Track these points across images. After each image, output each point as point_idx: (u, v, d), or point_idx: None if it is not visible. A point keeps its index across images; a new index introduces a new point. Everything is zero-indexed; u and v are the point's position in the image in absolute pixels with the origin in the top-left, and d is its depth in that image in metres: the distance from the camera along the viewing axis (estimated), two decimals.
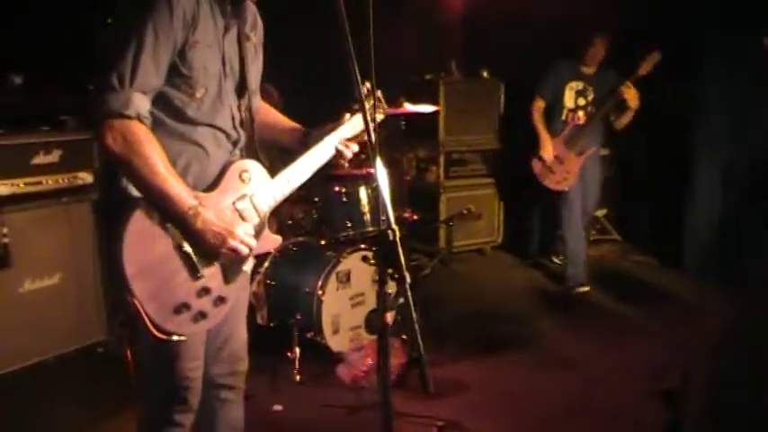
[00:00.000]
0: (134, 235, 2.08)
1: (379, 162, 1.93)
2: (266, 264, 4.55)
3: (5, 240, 4.14)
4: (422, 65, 6.97)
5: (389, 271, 1.87)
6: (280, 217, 4.86)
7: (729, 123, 6.14)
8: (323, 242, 4.61)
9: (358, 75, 2.02)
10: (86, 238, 4.53)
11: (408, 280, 1.82)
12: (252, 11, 2.49)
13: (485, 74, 7.09)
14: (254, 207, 2.35)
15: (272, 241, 2.48)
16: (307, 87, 5.67)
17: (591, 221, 6.76)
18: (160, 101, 2.19)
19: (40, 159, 4.33)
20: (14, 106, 4.49)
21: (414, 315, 1.84)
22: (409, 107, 4.75)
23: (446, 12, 7.01)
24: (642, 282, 6.32)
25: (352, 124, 2.63)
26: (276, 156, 2.66)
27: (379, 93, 2.61)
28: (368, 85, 2.45)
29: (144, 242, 2.10)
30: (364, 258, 4.39)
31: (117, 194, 2.18)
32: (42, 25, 4.97)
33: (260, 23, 2.56)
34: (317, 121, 2.71)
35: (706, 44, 6.24)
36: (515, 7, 6.49)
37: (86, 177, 4.51)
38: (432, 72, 6.97)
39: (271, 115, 2.78)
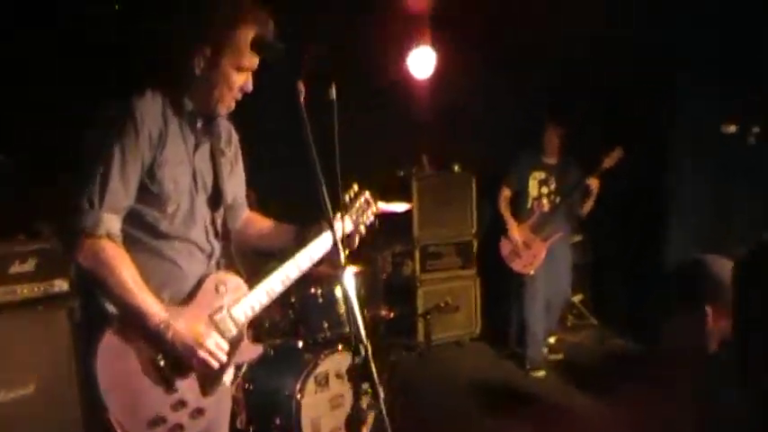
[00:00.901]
0: (107, 350, 2.11)
1: (349, 275, 1.98)
2: (244, 367, 4.53)
3: None
4: (394, 161, 7.11)
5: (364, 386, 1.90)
6: (257, 319, 4.85)
7: (699, 208, 6.30)
8: (300, 344, 4.60)
9: (323, 184, 2.07)
10: (62, 347, 4.47)
11: (382, 395, 1.85)
12: (225, 126, 2.56)
13: (456, 167, 7.24)
14: (232, 319, 2.38)
15: (252, 350, 2.51)
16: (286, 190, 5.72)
17: (566, 306, 6.86)
18: (133, 218, 2.25)
19: (15, 269, 4.33)
20: None
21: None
22: (383, 206, 4.82)
23: (416, 108, 7.18)
24: (620, 368, 6.31)
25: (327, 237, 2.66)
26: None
27: (367, 194, 2.67)
28: (355, 187, 2.52)
29: (117, 357, 2.13)
30: (338, 376, 4.37)
31: (93, 310, 2.22)
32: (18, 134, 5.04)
33: (235, 137, 2.63)
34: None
35: (674, 130, 6.46)
36: (482, 101, 6.72)
37: (62, 285, 4.50)
38: (404, 167, 7.11)
39: (262, 224, 2.81)
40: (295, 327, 4.77)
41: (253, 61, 2.31)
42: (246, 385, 4.47)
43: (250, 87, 2.37)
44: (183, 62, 2.31)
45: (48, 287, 4.44)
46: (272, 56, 2.19)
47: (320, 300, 4.56)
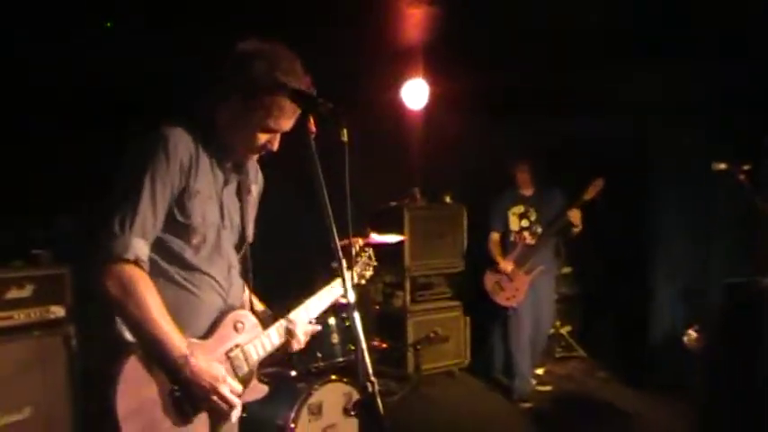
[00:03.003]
0: (128, 378, 2.13)
1: (356, 318, 2.03)
2: None
3: None
4: (386, 192, 7.17)
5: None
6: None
7: (684, 241, 6.41)
8: (294, 373, 4.64)
9: (334, 228, 2.12)
10: (58, 372, 4.52)
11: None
12: (254, 165, 2.62)
13: (447, 199, 7.33)
14: (245, 357, 2.42)
15: (259, 390, 2.55)
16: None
17: (551, 338, 6.96)
18: (159, 246, 2.28)
19: (12, 294, 4.37)
20: None
21: None
22: (375, 238, 4.90)
23: (408, 139, 7.27)
24: (607, 400, 6.36)
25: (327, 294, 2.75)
26: None
27: (371, 251, 2.74)
28: (360, 242, 2.58)
29: (137, 385, 2.15)
30: (345, 411, 4.40)
31: (112, 337, 2.23)
32: (15, 159, 5.08)
33: (261, 178, 2.68)
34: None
35: (658, 164, 6.58)
36: (474, 133, 6.83)
37: (58, 311, 4.54)
38: (396, 198, 7.18)
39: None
40: (288, 356, 4.80)
41: (280, 124, 2.34)
42: (240, 414, 4.49)
43: (275, 147, 2.42)
44: (208, 111, 2.37)
45: (44, 313, 4.48)
46: (318, 111, 2.18)
47: None
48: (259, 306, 2.72)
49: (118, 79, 5.00)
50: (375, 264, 2.91)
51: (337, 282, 2.67)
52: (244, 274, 2.57)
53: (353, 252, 2.76)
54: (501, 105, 6.69)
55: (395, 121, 7.15)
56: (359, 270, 2.81)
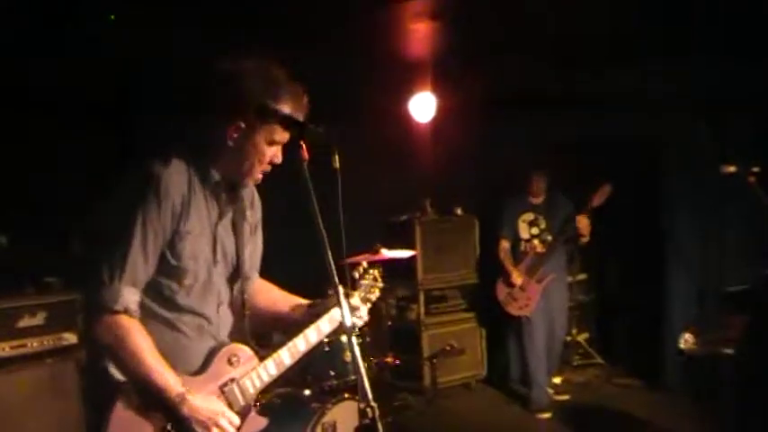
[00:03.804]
0: (118, 420, 2.14)
1: (354, 342, 2.02)
2: None
3: None
4: (396, 205, 7.17)
5: None
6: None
7: (698, 245, 6.36)
8: (307, 392, 4.62)
9: (328, 249, 2.10)
10: (71, 399, 4.53)
11: None
12: (249, 191, 2.59)
13: (459, 211, 7.30)
14: (241, 391, 2.41)
15: (258, 423, 2.52)
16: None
17: (568, 346, 6.92)
18: (150, 289, 2.27)
19: (25, 322, 4.41)
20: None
21: None
22: (386, 253, 4.90)
23: (417, 152, 7.27)
24: (626, 407, 6.29)
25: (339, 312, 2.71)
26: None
27: (376, 272, 2.72)
28: (364, 264, 2.56)
29: (129, 426, 2.15)
30: None
31: (99, 375, 2.23)
32: (28, 184, 5.13)
33: (258, 202, 2.65)
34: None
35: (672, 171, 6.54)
36: (483, 144, 6.82)
37: (71, 338, 4.57)
38: (407, 212, 7.15)
39: (273, 293, 2.81)
40: (302, 375, 4.80)
41: (285, 135, 2.33)
42: None
43: (280, 159, 2.39)
44: (215, 133, 2.33)
45: (56, 340, 4.51)
46: (311, 137, 2.17)
47: (327, 348, 4.59)
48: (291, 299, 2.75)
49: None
50: (381, 285, 2.86)
51: (336, 309, 2.61)
52: (240, 306, 2.55)
53: (357, 275, 2.73)
54: (508, 115, 6.66)
55: (403, 134, 7.15)
56: (362, 294, 2.77)
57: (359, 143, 3.59)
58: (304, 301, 2.77)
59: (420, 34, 5.91)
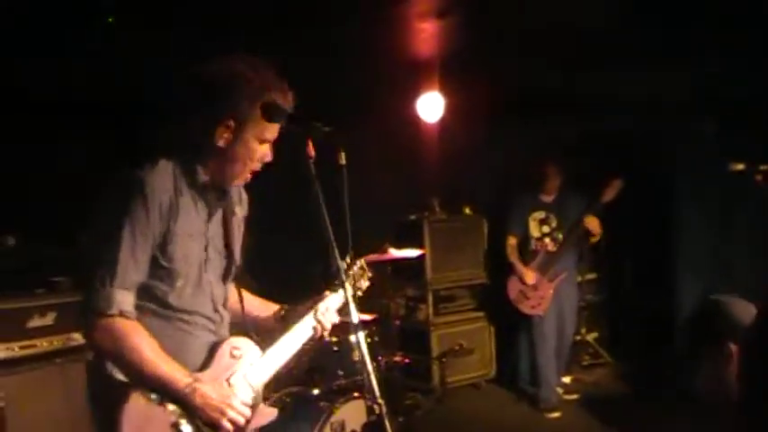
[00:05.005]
0: (129, 420, 2.13)
1: (361, 337, 2.03)
2: None
3: (0, 405, 4.16)
4: (405, 205, 7.17)
5: None
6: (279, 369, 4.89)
7: (708, 241, 6.35)
8: (316, 391, 4.63)
9: (336, 251, 2.12)
10: (81, 398, 4.52)
11: None
12: (236, 188, 2.59)
13: (467, 210, 7.30)
14: (248, 382, 2.42)
15: (267, 414, 2.52)
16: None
17: (578, 345, 6.91)
18: (143, 291, 2.28)
19: (35, 322, 4.41)
20: (9, 268, 4.61)
21: None
22: (394, 253, 4.89)
23: (426, 152, 7.27)
24: (635, 407, 6.29)
25: (332, 299, 2.70)
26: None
27: (362, 261, 2.72)
28: (351, 254, 2.56)
29: (140, 426, 2.15)
30: None
31: (104, 380, 2.25)
32: (37, 183, 5.14)
33: (245, 198, 2.67)
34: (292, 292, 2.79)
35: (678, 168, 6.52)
36: (491, 144, 6.81)
37: (80, 338, 4.55)
38: (415, 211, 7.15)
39: (243, 302, 2.76)
40: (310, 374, 4.80)
41: (274, 132, 2.34)
42: None
43: (270, 157, 2.40)
44: (204, 134, 2.33)
45: (66, 340, 4.51)
46: (317, 136, 2.20)
47: (335, 347, 4.60)
48: (269, 306, 2.77)
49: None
50: (370, 274, 2.86)
51: (332, 297, 2.67)
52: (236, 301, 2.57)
53: (345, 265, 2.72)
54: (516, 114, 6.65)
55: (411, 134, 7.14)
56: (351, 282, 2.77)
57: (367, 143, 3.59)
58: (275, 306, 2.78)
59: (427, 33, 5.89)
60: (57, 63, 4.79)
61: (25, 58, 4.69)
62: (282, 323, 2.67)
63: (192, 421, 2.24)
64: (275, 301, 2.84)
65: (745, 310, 2.11)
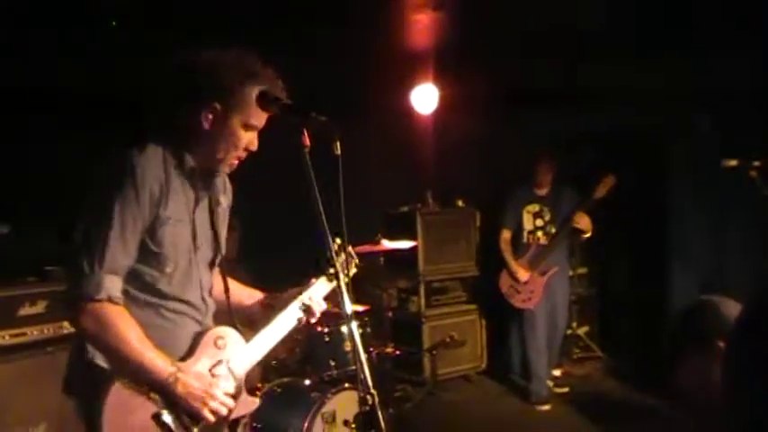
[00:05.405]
0: (112, 407, 2.13)
1: (354, 327, 2.02)
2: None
3: None
4: (398, 197, 7.17)
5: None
6: (264, 358, 4.89)
7: (702, 237, 6.36)
8: (307, 382, 4.63)
9: (329, 235, 2.12)
10: None
11: None
12: (221, 177, 2.59)
13: (460, 203, 7.30)
14: (231, 372, 2.41)
15: (250, 404, 2.51)
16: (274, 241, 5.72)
17: (568, 339, 6.94)
18: (132, 276, 2.27)
19: (25, 311, 4.39)
20: (1, 256, 4.59)
21: None
22: (387, 244, 4.90)
23: (419, 144, 7.27)
24: (625, 401, 6.32)
25: (318, 287, 2.71)
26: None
27: (350, 248, 2.71)
28: (338, 241, 2.56)
29: (122, 414, 2.15)
30: (346, 423, 4.36)
31: (84, 366, 2.23)
32: (30, 172, 5.11)
33: (230, 187, 2.66)
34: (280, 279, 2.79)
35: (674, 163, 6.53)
36: (485, 136, 6.80)
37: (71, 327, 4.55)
38: (408, 203, 7.15)
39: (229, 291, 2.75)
40: (302, 365, 4.81)
41: (260, 119, 2.35)
42: (254, 424, 4.49)
43: (255, 146, 2.40)
44: (190, 118, 2.33)
45: (57, 329, 4.48)
46: (313, 126, 2.17)
47: (327, 338, 4.60)
48: (255, 295, 2.76)
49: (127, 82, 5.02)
50: (357, 261, 2.87)
51: (319, 284, 2.68)
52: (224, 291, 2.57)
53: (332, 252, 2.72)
54: (511, 107, 6.65)
55: (405, 126, 7.14)
56: (341, 269, 2.76)
57: (361, 135, 3.58)
58: (261, 294, 2.78)
59: (422, 25, 5.88)
60: (56, 63, 4.78)
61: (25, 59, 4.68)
62: (268, 311, 2.67)
63: (173, 411, 2.23)
64: (269, 289, 2.83)
65: (735, 311, 2.11)
